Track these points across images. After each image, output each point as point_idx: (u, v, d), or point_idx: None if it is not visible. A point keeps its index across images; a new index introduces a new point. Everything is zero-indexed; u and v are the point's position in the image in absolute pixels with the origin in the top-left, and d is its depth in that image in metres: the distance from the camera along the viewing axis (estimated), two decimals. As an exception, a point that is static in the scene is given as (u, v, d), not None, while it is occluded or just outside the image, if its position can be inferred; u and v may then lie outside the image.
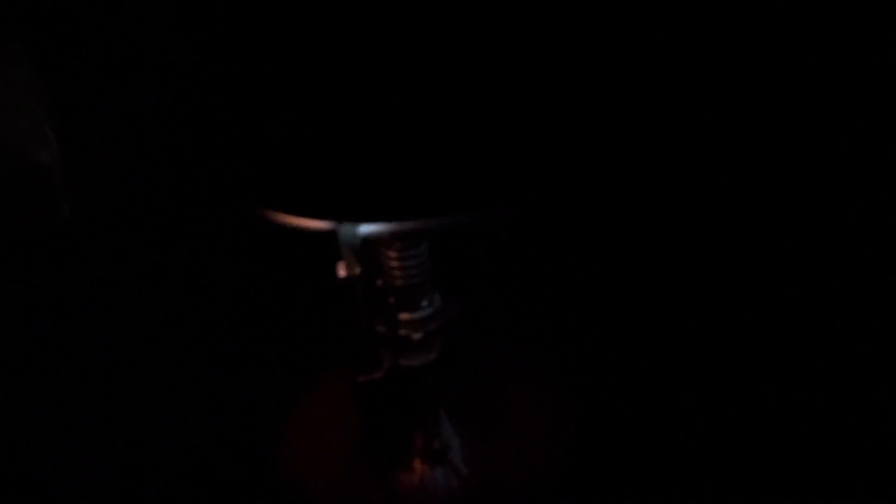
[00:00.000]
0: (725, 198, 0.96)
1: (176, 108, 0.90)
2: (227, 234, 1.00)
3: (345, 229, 0.56)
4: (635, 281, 0.97)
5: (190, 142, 0.90)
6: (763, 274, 0.94)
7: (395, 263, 0.70)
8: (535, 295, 0.99)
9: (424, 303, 0.73)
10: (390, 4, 0.49)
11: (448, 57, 0.51)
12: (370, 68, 0.51)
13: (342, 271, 0.62)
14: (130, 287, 1.02)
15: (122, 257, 1.03)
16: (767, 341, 0.88)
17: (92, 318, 0.99)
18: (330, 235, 0.58)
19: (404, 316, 0.73)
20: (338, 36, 0.50)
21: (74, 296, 1.01)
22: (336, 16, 0.50)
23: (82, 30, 0.92)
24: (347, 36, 0.50)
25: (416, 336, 0.72)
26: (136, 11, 0.90)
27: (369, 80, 0.52)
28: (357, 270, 0.61)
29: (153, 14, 0.88)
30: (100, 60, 0.94)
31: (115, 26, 0.92)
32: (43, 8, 0.91)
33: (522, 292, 1.00)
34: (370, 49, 0.51)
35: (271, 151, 0.58)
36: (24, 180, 0.98)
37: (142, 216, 1.03)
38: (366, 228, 0.56)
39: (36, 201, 1.00)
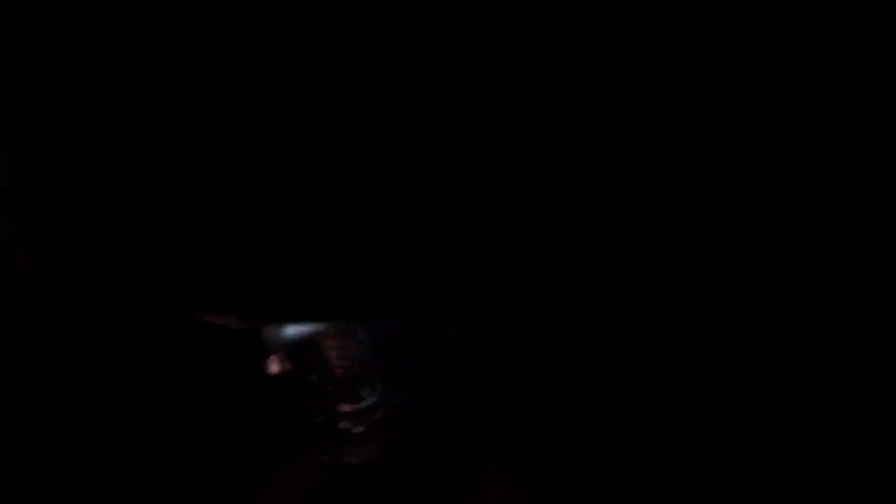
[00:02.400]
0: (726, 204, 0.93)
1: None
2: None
3: (269, 331, 0.53)
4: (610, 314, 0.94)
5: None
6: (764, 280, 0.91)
7: (333, 353, 0.67)
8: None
9: (366, 392, 0.69)
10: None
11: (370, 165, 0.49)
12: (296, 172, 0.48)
13: (273, 366, 0.58)
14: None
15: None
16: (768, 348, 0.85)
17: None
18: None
19: (344, 408, 0.69)
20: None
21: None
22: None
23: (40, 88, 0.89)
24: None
25: (358, 430, 0.68)
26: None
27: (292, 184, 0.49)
28: (287, 366, 0.58)
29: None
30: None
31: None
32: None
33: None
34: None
35: (202, 253, 0.54)
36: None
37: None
38: (291, 330, 0.53)
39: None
